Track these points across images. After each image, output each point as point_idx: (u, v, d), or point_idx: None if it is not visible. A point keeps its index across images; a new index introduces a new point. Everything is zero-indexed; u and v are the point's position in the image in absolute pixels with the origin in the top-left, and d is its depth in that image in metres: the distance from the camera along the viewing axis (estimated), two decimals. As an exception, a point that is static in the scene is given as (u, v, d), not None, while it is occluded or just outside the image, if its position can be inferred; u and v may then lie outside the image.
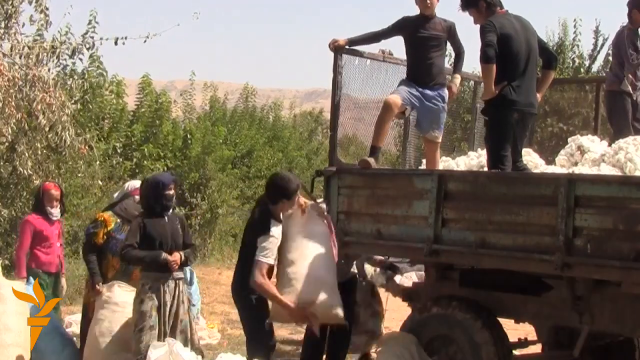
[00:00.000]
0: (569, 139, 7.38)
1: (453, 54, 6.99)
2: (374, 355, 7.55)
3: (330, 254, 5.88)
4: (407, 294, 6.73)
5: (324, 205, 6.21)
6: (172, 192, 6.31)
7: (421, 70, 6.62)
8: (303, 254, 5.78)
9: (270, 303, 5.73)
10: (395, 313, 7.58)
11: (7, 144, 9.99)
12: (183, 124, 16.64)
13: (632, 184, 5.03)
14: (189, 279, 8.62)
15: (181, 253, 6.22)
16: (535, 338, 6.63)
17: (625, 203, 4.91)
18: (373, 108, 7.05)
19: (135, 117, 14.86)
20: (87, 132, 11.01)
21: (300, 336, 7.20)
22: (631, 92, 7.38)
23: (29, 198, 10.18)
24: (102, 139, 13.25)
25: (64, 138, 9.77)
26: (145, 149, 14.38)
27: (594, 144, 7.10)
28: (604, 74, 12.33)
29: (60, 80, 10.44)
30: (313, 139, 24.74)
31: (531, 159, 6.98)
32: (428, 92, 6.60)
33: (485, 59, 5.91)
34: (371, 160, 6.35)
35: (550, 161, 7.32)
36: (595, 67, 16.63)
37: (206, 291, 12.04)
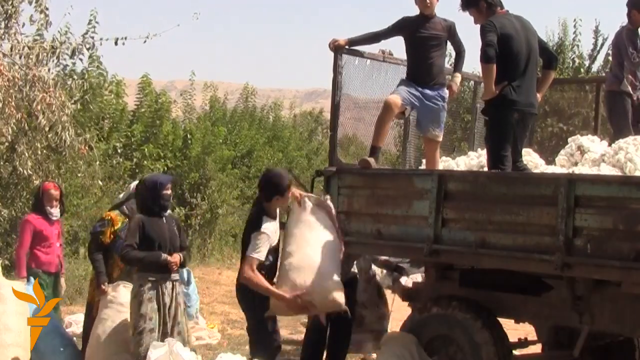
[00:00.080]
0: (569, 139, 7.38)
1: (453, 54, 6.99)
2: (373, 355, 7.54)
3: (329, 242, 5.85)
4: (407, 294, 6.73)
5: (328, 197, 6.19)
6: (169, 192, 6.31)
7: (421, 70, 6.62)
8: (299, 245, 5.80)
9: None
10: (396, 314, 7.57)
11: (7, 144, 9.99)
12: (183, 124, 16.64)
13: (632, 184, 5.03)
14: (185, 278, 8.64)
15: (180, 255, 6.23)
16: (535, 338, 6.64)
17: (625, 203, 4.91)
18: (373, 108, 7.05)
19: (135, 117, 14.86)
20: (87, 132, 11.00)
21: (300, 336, 7.20)
22: (631, 92, 7.38)
23: (29, 198, 10.18)
24: (102, 139, 13.24)
25: (63, 138, 9.78)
26: (146, 149, 14.38)
27: (594, 144, 7.10)
28: (604, 74, 12.33)
29: (60, 80, 10.43)
30: (313, 139, 24.74)
31: (531, 159, 6.98)
32: (428, 91, 6.60)
33: (485, 58, 5.91)
34: (371, 160, 6.35)
35: (550, 161, 7.32)
36: (595, 67, 16.64)
37: (206, 291, 12.04)
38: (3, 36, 9.75)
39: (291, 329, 9.11)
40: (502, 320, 5.96)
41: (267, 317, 5.73)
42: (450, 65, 7.13)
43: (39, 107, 9.50)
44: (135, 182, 7.34)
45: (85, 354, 6.57)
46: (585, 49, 17.21)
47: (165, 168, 14.56)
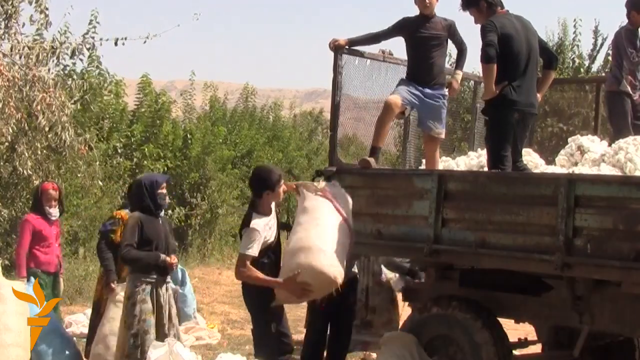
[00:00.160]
0: (569, 139, 7.38)
1: (454, 54, 6.99)
2: (373, 355, 7.55)
3: (324, 222, 5.75)
4: (407, 294, 6.72)
5: (336, 183, 6.17)
6: (165, 191, 6.30)
7: (422, 70, 6.62)
8: (294, 231, 5.78)
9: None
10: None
11: (7, 144, 9.99)
12: (183, 124, 16.65)
13: (632, 184, 5.03)
14: (180, 279, 8.64)
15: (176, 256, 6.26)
16: (535, 338, 6.64)
17: (625, 203, 4.91)
18: (373, 108, 7.05)
19: (135, 117, 14.86)
20: (87, 133, 11.01)
21: (300, 336, 7.19)
22: (630, 92, 7.38)
23: (28, 198, 10.18)
24: (102, 139, 13.25)
25: (63, 138, 9.78)
26: (146, 149, 14.38)
27: (594, 144, 7.10)
28: (604, 74, 12.33)
29: (60, 81, 10.44)
30: (313, 139, 24.77)
31: (531, 159, 6.97)
32: (428, 90, 6.60)
33: (486, 58, 5.91)
34: (371, 160, 6.35)
35: (550, 161, 7.32)
36: (595, 67, 16.63)
37: (206, 291, 12.05)
38: (3, 36, 9.76)
39: (291, 329, 9.10)
40: (502, 320, 5.96)
41: (272, 315, 5.71)
42: (451, 65, 7.13)
43: (38, 107, 9.51)
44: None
45: (92, 352, 6.58)
46: (585, 49, 17.24)
47: (165, 168, 14.57)
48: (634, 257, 4.83)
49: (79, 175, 11.29)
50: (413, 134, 7.81)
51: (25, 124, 9.84)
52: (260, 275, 5.59)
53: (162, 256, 6.11)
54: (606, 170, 6.34)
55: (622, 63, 7.39)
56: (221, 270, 14.05)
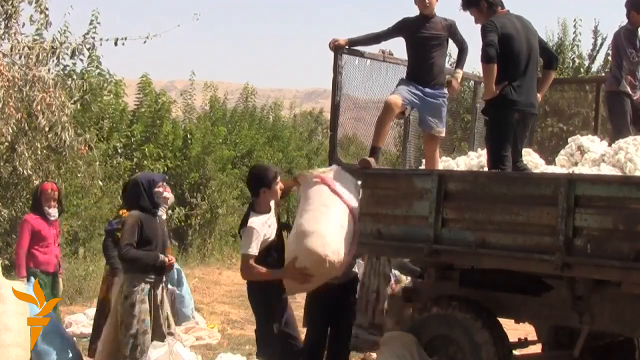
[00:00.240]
0: (569, 139, 7.38)
1: (454, 54, 6.99)
2: (373, 355, 7.54)
3: (322, 208, 5.78)
4: (407, 294, 6.72)
5: (338, 167, 6.18)
6: (161, 189, 6.30)
7: (422, 70, 6.62)
8: (295, 223, 5.83)
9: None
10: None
11: (7, 144, 9.99)
12: (183, 124, 16.66)
13: (632, 184, 5.03)
14: (176, 278, 8.64)
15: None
16: (535, 338, 6.64)
17: (625, 203, 4.90)
18: (373, 108, 7.05)
19: (135, 117, 14.87)
20: (87, 133, 11.01)
21: (300, 336, 7.19)
22: (630, 92, 7.38)
23: (28, 198, 10.18)
24: (102, 139, 13.25)
25: (63, 138, 9.78)
26: (146, 149, 14.39)
27: (594, 144, 7.10)
28: (604, 74, 12.33)
29: (60, 81, 10.44)
30: (313, 139, 24.78)
31: (531, 159, 6.97)
32: (428, 90, 6.61)
33: (486, 58, 5.91)
34: (371, 160, 6.34)
35: (550, 161, 7.32)
36: (595, 67, 16.64)
37: (206, 291, 12.05)
38: (3, 36, 9.75)
39: (292, 329, 9.10)
40: (502, 320, 5.96)
41: (274, 315, 5.73)
42: (451, 65, 7.12)
43: (38, 107, 9.51)
44: None
45: (97, 350, 6.59)
46: (585, 49, 17.26)
47: (165, 168, 14.58)
48: (634, 257, 4.83)
49: (79, 175, 11.30)
50: (413, 134, 7.81)
51: (25, 124, 9.84)
52: (263, 269, 5.63)
53: (161, 256, 6.11)
54: (606, 170, 6.34)
55: (622, 63, 7.40)
56: (221, 270, 14.05)
